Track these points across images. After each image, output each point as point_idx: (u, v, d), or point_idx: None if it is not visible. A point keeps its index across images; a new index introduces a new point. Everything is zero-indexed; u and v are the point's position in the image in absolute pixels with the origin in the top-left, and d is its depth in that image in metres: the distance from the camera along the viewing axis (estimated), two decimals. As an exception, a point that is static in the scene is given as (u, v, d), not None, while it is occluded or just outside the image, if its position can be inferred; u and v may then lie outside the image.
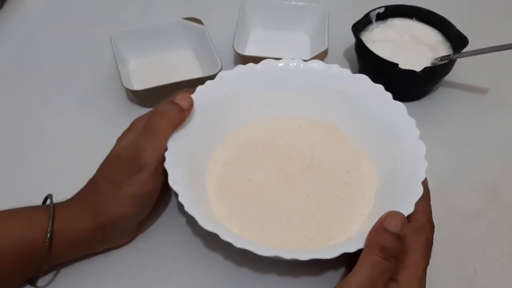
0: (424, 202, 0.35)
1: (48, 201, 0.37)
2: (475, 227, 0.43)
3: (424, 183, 0.35)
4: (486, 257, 0.41)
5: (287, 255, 0.32)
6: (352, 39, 0.54)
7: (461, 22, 0.54)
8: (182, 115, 0.38)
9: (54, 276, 0.38)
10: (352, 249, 0.32)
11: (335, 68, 0.44)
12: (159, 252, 0.40)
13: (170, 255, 0.40)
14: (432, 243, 0.34)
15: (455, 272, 0.40)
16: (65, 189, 0.38)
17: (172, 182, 0.35)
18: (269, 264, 0.39)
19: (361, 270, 0.30)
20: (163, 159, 0.36)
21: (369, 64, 0.53)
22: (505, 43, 0.49)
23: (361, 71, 0.55)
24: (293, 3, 0.59)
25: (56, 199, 0.37)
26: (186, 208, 0.33)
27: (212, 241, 0.40)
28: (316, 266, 0.39)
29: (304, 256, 0.31)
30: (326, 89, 0.44)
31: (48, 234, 0.34)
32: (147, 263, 0.39)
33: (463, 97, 0.55)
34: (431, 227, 0.35)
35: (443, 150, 0.49)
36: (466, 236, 0.43)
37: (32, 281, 0.36)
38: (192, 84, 0.44)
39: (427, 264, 0.33)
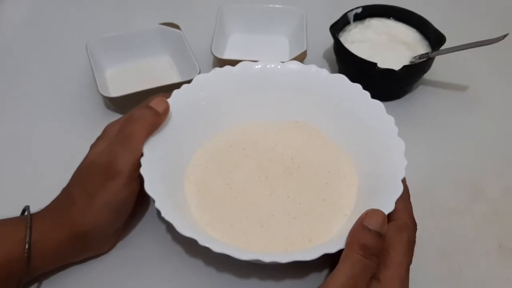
0: (405, 200, 0.35)
1: (26, 213, 0.36)
2: (459, 225, 0.43)
3: (404, 182, 0.35)
4: (471, 254, 0.41)
5: (267, 258, 0.31)
6: (331, 40, 0.54)
7: (438, 20, 0.54)
8: (158, 119, 0.38)
9: (36, 288, 0.37)
10: (332, 249, 0.31)
11: (313, 69, 0.43)
12: (139, 259, 0.39)
13: (150, 263, 0.39)
14: (414, 241, 0.34)
15: (440, 270, 0.40)
16: (42, 198, 0.37)
17: (148, 188, 0.34)
18: (251, 269, 0.38)
19: (342, 269, 0.30)
20: (139, 165, 0.35)
21: (348, 64, 0.52)
22: (482, 39, 0.49)
23: (341, 71, 0.55)
24: (271, 6, 0.59)
25: (34, 209, 0.36)
26: (163, 214, 0.33)
27: (192, 247, 0.39)
28: (299, 269, 0.38)
29: (284, 259, 0.31)
30: (305, 90, 0.43)
31: (26, 246, 0.33)
32: (127, 271, 0.38)
33: (442, 95, 0.55)
34: (413, 225, 0.34)
35: (424, 148, 0.49)
36: (450, 233, 0.42)
37: None
38: (170, 89, 0.43)
39: (410, 262, 0.32)
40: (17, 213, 0.37)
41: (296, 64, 0.44)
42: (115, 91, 0.51)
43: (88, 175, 0.36)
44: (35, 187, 0.43)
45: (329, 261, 0.39)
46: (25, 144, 0.49)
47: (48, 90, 0.54)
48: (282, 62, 0.44)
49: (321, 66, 0.44)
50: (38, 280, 0.37)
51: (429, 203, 0.44)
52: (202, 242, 0.31)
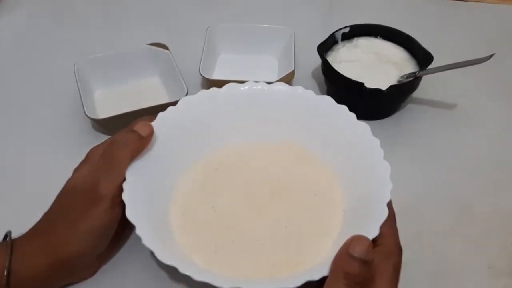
0: (390, 224, 0.34)
1: (8, 239, 0.35)
2: (447, 246, 0.42)
3: (389, 206, 0.35)
4: (460, 276, 0.40)
5: (249, 286, 0.30)
6: (319, 60, 0.54)
7: (426, 39, 0.54)
8: (141, 143, 0.37)
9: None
10: (316, 277, 0.31)
11: (299, 90, 0.43)
12: (122, 284, 0.39)
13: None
14: (400, 267, 0.33)
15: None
16: (27, 221, 0.36)
17: (130, 214, 0.34)
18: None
19: None
20: (121, 190, 0.35)
21: (336, 84, 0.52)
22: (470, 58, 0.49)
23: (329, 91, 0.55)
24: (260, 25, 0.59)
25: (18, 232, 0.36)
26: (143, 241, 0.32)
27: (175, 273, 0.38)
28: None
29: (266, 287, 0.30)
30: (291, 112, 0.43)
31: (5, 272, 0.33)
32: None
33: (431, 114, 0.55)
34: (399, 250, 0.34)
35: (413, 168, 0.49)
36: (438, 255, 0.42)
37: None
38: (157, 111, 0.43)
39: None
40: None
41: (283, 86, 0.44)
42: (103, 113, 0.51)
43: (70, 200, 0.35)
44: (20, 210, 0.43)
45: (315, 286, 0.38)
46: (10, 166, 0.48)
47: (35, 112, 0.54)
48: (269, 83, 0.44)
49: (309, 86, 0.44)
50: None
51: (417, 225, 0.44)
52: (183, 270, 0.31)
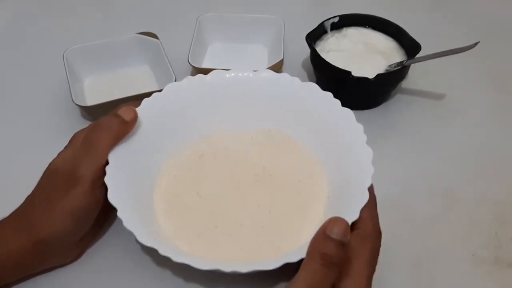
0: (370, 208, 0.34)
1: None
2: (433, 234, 0.43)
3: (370, 190, 0.35)
4: (444, 263, 0.41)
5: (227, 268, 0.31)
6: (309, 50, 0.54)
7: (414, 29, 0.54)
8: (125, 128, 0.37)
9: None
10: (294, 258, 0.31)
11: (285, 77, 0.43)
12: (105, 270, 0.39)
13: (117, 273, 0.39)
14: (378, 250, 0.33)
15: (412, 279, 0.39)
16: (13, 207, 0.36)
17: (111, 196, 0.34)
18: (219, 280, 0.38)
19: (301, 278, 0.29)
20: (103, 173, 0.35)
21: (324, 73, 0.52)
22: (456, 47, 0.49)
23: (318, 80, 0.55)
24: (250, 15, 0.59)
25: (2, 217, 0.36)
26: (124, 223, 0.32)
27: (160, 257, 0.39)
28: (267, 279, 0.38)
29: (244, 268, 0.31)
30: (277, 99, 0.43)
31: None
32: (93, 280, 0.38)
33: (419, 103, 0.55)
34: (378, 234, 0.34)
35: (399, 157, 0.49)
36: (423, 242, 0.42)
37: None
38: (144, 98, 0.43)
39: (373, 271, 0.32)
40: None
41: (269, 73, 0.44)
42: (92, 100, 0.51)
43: (50, 182, 0.36)
44: (6, 196, 0.42)
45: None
46: (-1, 154, 0.48)
47: (24, 99, 0.54)
48: (255, 71, 0.44)
49: (298, 75, 0.43)
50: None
51: (402, 212, 0.44)
52: (162, 252, 0.31)
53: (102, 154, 0.35)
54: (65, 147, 0.38)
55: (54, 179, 0.36)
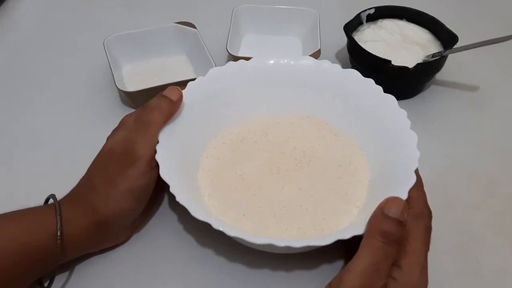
0: (419, 189, 0.35)
1: (52, 201, 0.36)
2: (475, 219, 0.43)
3: (417, 172, 0.35)
4: (487, 247, 0.41)
5: (281, 243, 0.31)
6: (343, 42, 0.55)
7: (450, 20, 0.54)
8: (173, 107, 0.38)
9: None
10: (346, 235, 0.31)
11: (325, 64, 0.44)
12: (152, 251, 0.40)
13: (162, 253, 0.39)
14: (431, 228, 0.34)
15: (456, 263, 0.40)
16: (60, 191, 0.37)
17: (164, 173, 0.35)
18: (262, 258, 0.38)
19: (363, 255, 0.30)
20: (156, 152, 0.36)
21: (362, 62, 0.53)
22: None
23: (354, 71, 0.56)
24: (284, 7, 0.60)
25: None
26: (178, 199, 0.33)
27: (203, 237, 0.40)
28: (310, 260, 0.38)
29: (297, 244, 0.31)
30: (317, 85, 0.44)
31: (58, 233, 0.33)
32: (141, 262, 0.39)
33: (454, 94, 0.55)
34: (429, 213, 0.35)
35: (437, 145, 0.49)
36: (466, 227, 0.42)
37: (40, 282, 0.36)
38: (185, 85, 0.44)
39: (428, 249, 0.33)
40: (37, 203, 0.37)
41: (309, 60, 0.44)
42: (132, 87, 0.52)
43: (108, 163, 0.36)
44: (54, 179, 0.43)
45: (340, 253, 0.39)
46: (43, 138, 0.50)
47: (66, 86, 0.55)
48: (295, 58, 0.45)
49: (334, 66, 0.44)
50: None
51: (444, 198, 0.44)
52: (216, 226, 0.32)
53: (155, 133, 0.36)
54: (115, 130, 0.39)
55: (111, 159, 0.36)
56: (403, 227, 0.31)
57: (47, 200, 0.37)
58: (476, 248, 0.41)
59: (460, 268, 0.39)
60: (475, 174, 0.47)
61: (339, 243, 0.32)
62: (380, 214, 0.31)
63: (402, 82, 0.52)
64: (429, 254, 0.33)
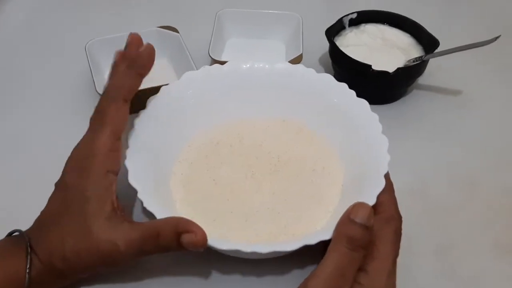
0: (389, 193, 0.35)
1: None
2: (454, 222, 0.43)
3: (387, 177, 0.35)
4: (466, 251, 0.41)
5: (247, 249, 0.31)
6: (326, 46, 0.55)
7: (431, 25, 0.54)
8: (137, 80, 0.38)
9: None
10: (313, 241, 0.31)
11: (300, 68, 0.44)
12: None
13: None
14: (400, 232, 0.34)
15: (434, 267, 0.39)
16: (38, 197, 0.36)
17: (132, 179, 0.35)
18: (234, 264, 0.38)
19: (329, 261, 0.30)
20: (123, 156, 0.36)
21: (343, 67, 0.53)
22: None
23: (336, 75, 0.55)
24: (268, 11, 0.60)
25: (35, 205, 0.36)
26: (145, 204, 0.33)
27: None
28: (282, 265, 0.38)
29: (264, 249, 0.31)
30: (292, 89, 0.44)
31: (27, 277, 0.32)
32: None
33: (436, 99, 0.55)
34: (399, 217, 0.34)
35: (420, 149, 0.49)
36: (445, 231, 0.42)
37: None
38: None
39: (397, 254, 0.33)
40: (15, 210, 0.36)
41: (284, 64, 0.45)
42: (112, 91, 0.52)
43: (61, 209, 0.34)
44: (32, 185, 0.43)
45: (312, 258, 0.39)
46: (22, 143, 0.49)
47: (47, 90, 0.55)
48: (270, 62, 0.45)
49: (317, 71, 0.44)
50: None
51: (424, 201, 0.44)
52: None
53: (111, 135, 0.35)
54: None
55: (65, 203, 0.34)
56: (369, 232, 0.31)
57: (10, 234, 0.35)
58: (454, 252, 0.40)
59: (437, 272, 0.39)
60: (456, 177, 0.46)
61: (314, 247, 0.32)
62: (346, 220, 0.31)
63: (383, 86, 0.52)
64: (407, 257, 0.33)
